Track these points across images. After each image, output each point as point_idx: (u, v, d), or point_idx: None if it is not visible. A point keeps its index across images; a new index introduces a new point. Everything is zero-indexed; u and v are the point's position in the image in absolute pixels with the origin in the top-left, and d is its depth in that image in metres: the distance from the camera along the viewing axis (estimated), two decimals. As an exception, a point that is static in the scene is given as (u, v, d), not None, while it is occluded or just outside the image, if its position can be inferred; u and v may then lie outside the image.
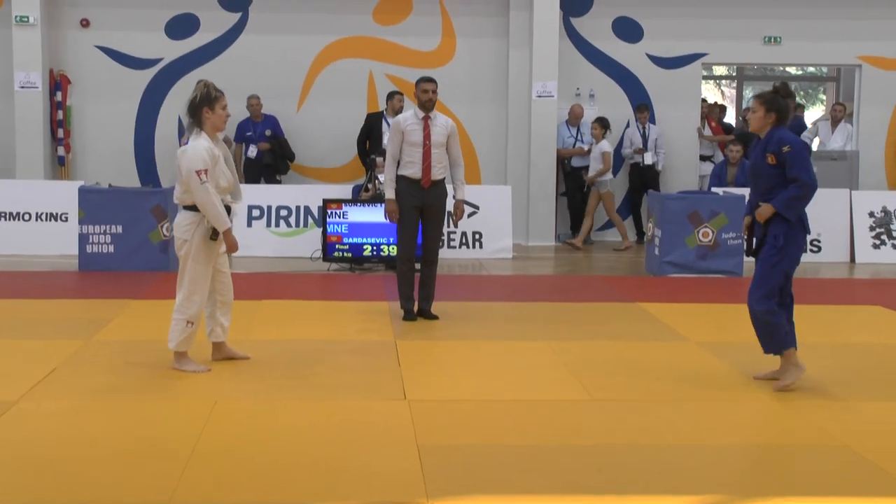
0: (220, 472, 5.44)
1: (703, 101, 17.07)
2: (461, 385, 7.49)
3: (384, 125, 14.79)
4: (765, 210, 7.30)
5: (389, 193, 9.43)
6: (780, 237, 7.22)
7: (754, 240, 7.42)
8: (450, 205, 9.68)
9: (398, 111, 14.02)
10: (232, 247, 7.42)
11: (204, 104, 7.26)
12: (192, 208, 7.28)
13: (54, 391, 7.05)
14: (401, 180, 9.36)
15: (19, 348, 8.31)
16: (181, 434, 6.05)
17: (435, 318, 9.56)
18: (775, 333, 7.27)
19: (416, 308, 9.59)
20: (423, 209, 9.41)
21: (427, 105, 9.33)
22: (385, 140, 14.78)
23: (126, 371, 7.67)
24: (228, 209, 7.41)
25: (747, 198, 7.74)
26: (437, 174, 9.34)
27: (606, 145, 15.17)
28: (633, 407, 6.94)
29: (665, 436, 6.31)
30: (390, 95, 14.72)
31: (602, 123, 15.27)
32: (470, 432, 6.29)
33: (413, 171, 9.30)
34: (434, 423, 6.43)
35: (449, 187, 9.63)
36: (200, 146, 7.20)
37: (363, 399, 6.97)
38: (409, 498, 5.11)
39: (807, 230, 7.35)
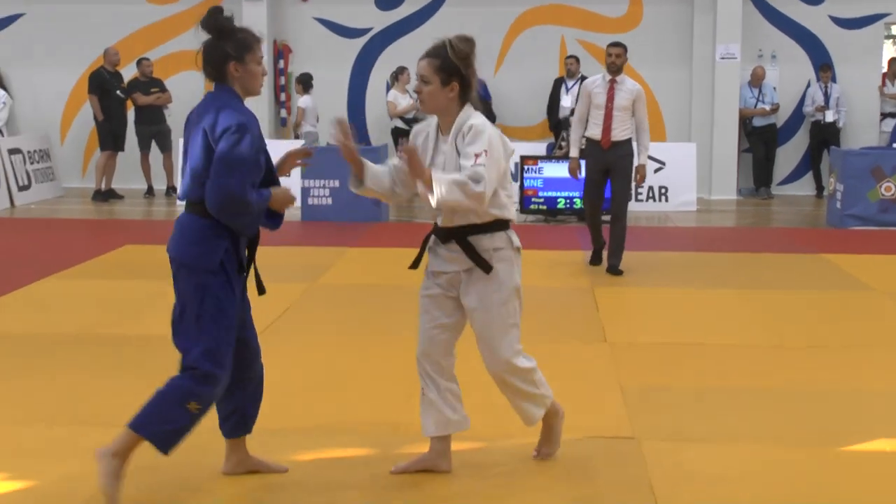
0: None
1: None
2: (658, 329, 7.35)
3: (562, 88, 14.93)
4: None
5: (573, 152, 9.28)
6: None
7: None
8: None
9: (570, 73, 14.73)
10: None
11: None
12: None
13: (289, 328, 7.23)
14: (586, 141, 9.13)
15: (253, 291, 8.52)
16: (409, 366, 6.11)
17: (620, 273, 9.11)
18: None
19: (604, 258, 9.30)
20: (607, 169, 9.07)
21: (611, 68, 9.01)
22: (562, 103, 14.77)
23: (350, 311, 7.81)
24: None
25: None
26: (617, 136, 8.94)
27: (303, 101, 14.66)
28: (825, 353, 6.68)
29: (858, 381, 6.05)
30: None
31: (301, 80, 14.90)
32: (669, 374, 6.17)
33: (595, 132, 9.01)
34: (635, 364, 6.33)
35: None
36: None
37: (566, 341, 6.91)
38: (617, 433, 5.04)
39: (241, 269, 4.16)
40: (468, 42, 4.27)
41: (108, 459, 3.95)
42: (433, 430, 4.39)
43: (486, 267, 4.25)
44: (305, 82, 14.89)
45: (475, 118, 4.25)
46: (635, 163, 9.15)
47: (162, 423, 3.97)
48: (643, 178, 9.21)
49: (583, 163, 9.26)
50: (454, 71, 4.23)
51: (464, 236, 4.27)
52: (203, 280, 4.01)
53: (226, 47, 4.04)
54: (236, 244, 4.10)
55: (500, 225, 4.30)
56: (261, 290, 4.33)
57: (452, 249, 4.30)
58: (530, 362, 4.42)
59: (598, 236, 9.38)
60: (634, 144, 9.14)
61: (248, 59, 4.08)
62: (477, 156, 4.10)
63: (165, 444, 4.00)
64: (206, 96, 4.15)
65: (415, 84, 4.31)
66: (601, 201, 9.30)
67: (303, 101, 14.68)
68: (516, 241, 4.37)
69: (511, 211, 4.35)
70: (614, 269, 9.13)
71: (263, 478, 4.42)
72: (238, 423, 4.35)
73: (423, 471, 4.43)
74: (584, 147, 9.17)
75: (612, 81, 8.98)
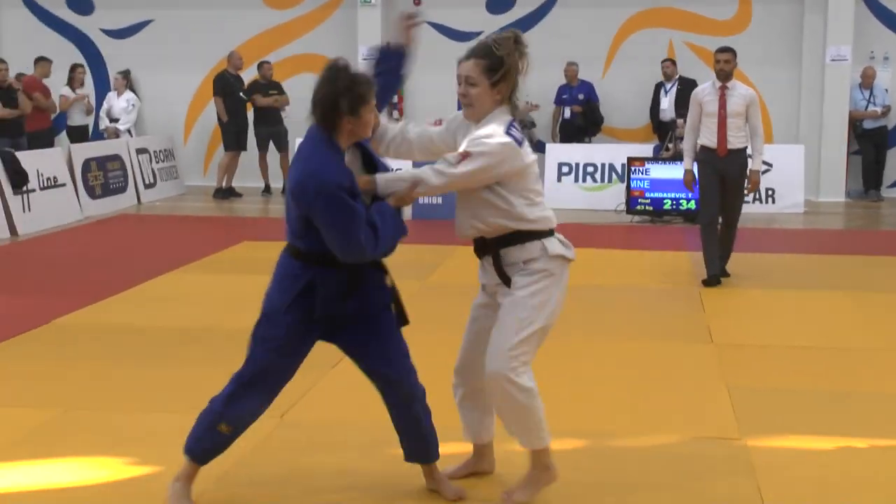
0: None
1: None
2: (765, 331, 7.18)
3: (661, 92, 14.85)
4: None
5: (686, 164, 8.80)
6: None
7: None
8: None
9: (667, 76, 14.77)
10: None
11: None
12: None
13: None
14: (701, 149, 8.70)
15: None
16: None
17: (727, 275, 8.75)
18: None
19: (719, 273, 8.73)
20: (722, 177, 8.62)
21: (720, 75, 8.59)
22: (661, 105, 14.59)
23: (460, 309, 7.77)
24: None
25: None
26: (733, 143, 8.48)
27: None
28: (936, 358, 6.46)
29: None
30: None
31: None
32: (776, 376, 6.03)
33: (710, 140, 8.54)
34: (741, 365, 6.21)
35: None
36: None
37: (672, 342, 6.80)
38: (724, 434, 4.93)
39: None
40: (510, 39, 3.95)
41: (172, 483, 4.11)
42: (465, 436, 4.37)
43: (507, 281, 3.99)
44: None
45: (490, 125, 3.92)
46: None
47: (199, 443, 4.08)
48: (756, 185, 8.70)
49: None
50: (502, 72, 3.91)
51: (496, 248, 4.01)
52: (264, 315, 4.02)
53: (342, 102, 3.79)
54: (338, 285, 3.96)
55: (533, 235, 3.97)
56: (402, 321, 4.17)
57: (488, 261, 4.08)
58: (530, 382, 3.98)
59: (714, 258, 8.69)
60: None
61: (362, 111, 3.84)
62: (456, 155, 3.86)
63: (202, 458, 4.11)
64: (307, 132, 3.96)
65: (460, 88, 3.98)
66: (718, 212, 8.75)
67: None
68: (554, 248, 3.99)
69: (541, 221, 3.97)
70: (721, 271, 8.81)
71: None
72: (406, 450, 4.27)
73: (470, 475, 4.37)
74: (697, 154, 8.72)
75: (723, 88, 8.57)
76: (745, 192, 8.74)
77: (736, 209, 8.76)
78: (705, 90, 8.72)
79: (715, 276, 8.66)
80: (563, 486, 4.26)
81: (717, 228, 8.77)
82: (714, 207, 8.74)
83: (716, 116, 8.54)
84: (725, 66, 8.62)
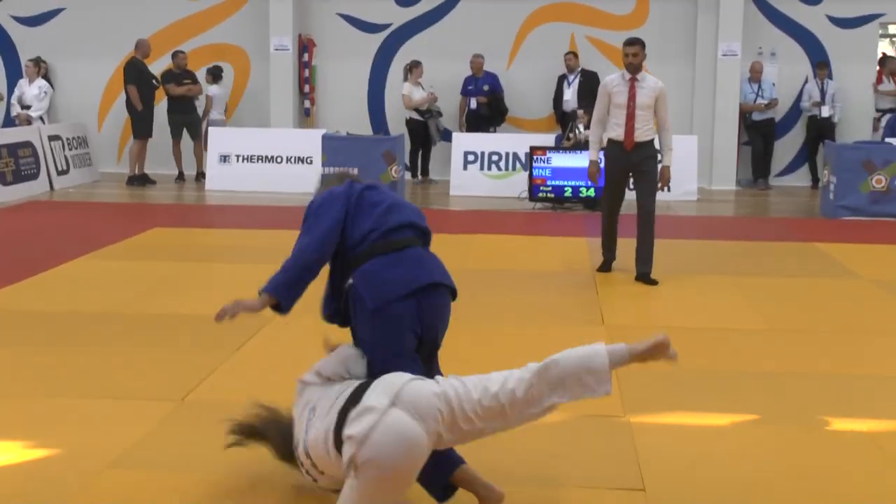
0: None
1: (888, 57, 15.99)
2: (655, 313, 7.34)
3: (565, 84, 15.00)
4: None
5: (592, 155, 8.47)
6: None
7: None
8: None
9: (570, 68, 14.91)
10: None
11: None
12: None
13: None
14: (608, 142, 8.33)
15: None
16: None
17: (654, 282, 8.26)
18: None
19: (613, 260, 8.70)
20: (629, 171, 8.38)
21: (629, 68, 8.30)
22: (565, 97, 14.74)
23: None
24: None
25: None
26: (640, 136, 8.17)
27: (211, 90, 15.35)
28: (813, 337, 6.65)
29: (841, 365, 6.02)
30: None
31: (211, 72, 15.44)
32: (661, 356, 6.14)
33: (617, 133, 8.22)
34: (629, 346, 6.30)
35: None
36: None
37: (564, 324, 6.89)
38: (608, 412, 5.02)
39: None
40: None
41: None
42: None
43: None
44: (215, 73, 15.24)
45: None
46: (660, 164, 8.47)
47: None
48: (668, 181, 8.44)
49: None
50: None
51: None
52: None
53: None
54: None
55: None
56: None
57: None
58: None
59: (611, 245, 8.70)
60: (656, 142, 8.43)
61: None
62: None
63: None
64: None
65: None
66: (620, 204, 8.65)
67: (211, 90, 15.23)
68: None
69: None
70: (646, 277, 8.32)
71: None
72: None
73: None
74: (604, 148, 8.46)
75: (633, 80, 8.27)
76: (658, 185, 8.41)
77: (649, 202, 8.36)
78: (614, 81, 8.37)
79: (609, 262, 8.74)
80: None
81: (616, 220, 8.66)
82: (616, 202, 8.60)
83: (625, 108, 8.21)
84: (634, 59, 8.26)
